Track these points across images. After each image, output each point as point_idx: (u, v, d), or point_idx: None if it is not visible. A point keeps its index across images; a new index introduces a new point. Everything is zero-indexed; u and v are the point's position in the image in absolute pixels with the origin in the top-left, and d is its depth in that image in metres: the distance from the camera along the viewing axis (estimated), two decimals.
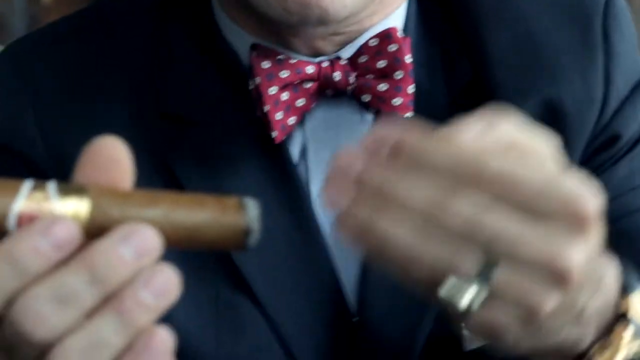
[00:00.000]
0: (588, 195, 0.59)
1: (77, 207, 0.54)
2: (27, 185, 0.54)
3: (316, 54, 0.89)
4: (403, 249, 0.61)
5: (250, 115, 0.89)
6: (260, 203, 0.57)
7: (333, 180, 0.64)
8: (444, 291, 0.62)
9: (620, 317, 0.70)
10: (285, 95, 0.88)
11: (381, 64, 0.88)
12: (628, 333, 0.71)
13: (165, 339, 0.55)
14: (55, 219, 0.53)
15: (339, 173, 0.64)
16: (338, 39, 0.89)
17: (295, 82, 0.88)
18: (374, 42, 0.88)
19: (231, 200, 0.55)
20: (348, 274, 0.89)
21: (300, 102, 0.88)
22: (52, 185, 0.54)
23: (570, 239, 0.59)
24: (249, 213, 0.55)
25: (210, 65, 0.91)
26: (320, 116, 0.90)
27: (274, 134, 0.87)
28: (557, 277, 0.59)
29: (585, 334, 0.69)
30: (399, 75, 0.88)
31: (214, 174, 0.88)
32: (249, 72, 0.89)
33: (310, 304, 0.87)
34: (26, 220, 0.53)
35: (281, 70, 0.87)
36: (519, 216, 0.59)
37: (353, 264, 0.89)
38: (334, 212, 0.66)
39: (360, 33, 0.90)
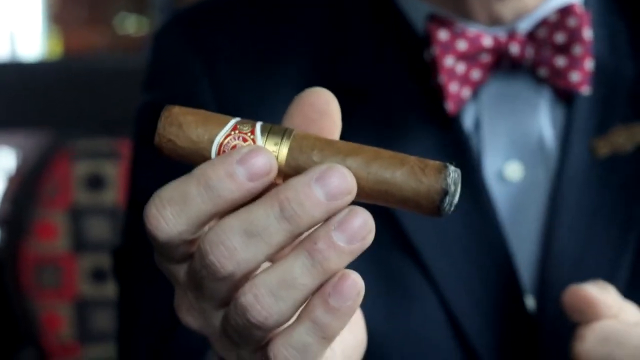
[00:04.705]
0: None
1: (278, 147, 0.54)
2: (234, 120, 0.55)
3: (494, 21, 0.87)
4: None
5: (423, 86, 0.88)
6: None
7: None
8: None
9: None
10: (460, 67, 0.86)
11: (559, 38, 0.86)
12: None
13: (355, 283, 0.53)
14: (253, 149, 0.53)
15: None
16: (518, 4, 0.87)
17: (472, 54, 0.86)
18: (553, 16, 0.86)
19: (433, 161, 0.54)
20: (522, 251, 0.87)
21: (476, 75, 0.87)
22: (258, 124, 0.55)
23: None
24: (449, 175, 0.54)
25: (384, 35, 0.90)
26: (495, 90, 0.88)
27: (449, 105, 0.86)
28: None
29: None
30: (577, 50, 0.86)
31: (386, 144, 0.87)
32: (424, 42, 0.88)
33: (481, 280, 0.86)
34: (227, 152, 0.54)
35: (458, 41, 0.86)
36: None
37: (528, 242, 0.87)
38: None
39: (539, 3, 0.88)
